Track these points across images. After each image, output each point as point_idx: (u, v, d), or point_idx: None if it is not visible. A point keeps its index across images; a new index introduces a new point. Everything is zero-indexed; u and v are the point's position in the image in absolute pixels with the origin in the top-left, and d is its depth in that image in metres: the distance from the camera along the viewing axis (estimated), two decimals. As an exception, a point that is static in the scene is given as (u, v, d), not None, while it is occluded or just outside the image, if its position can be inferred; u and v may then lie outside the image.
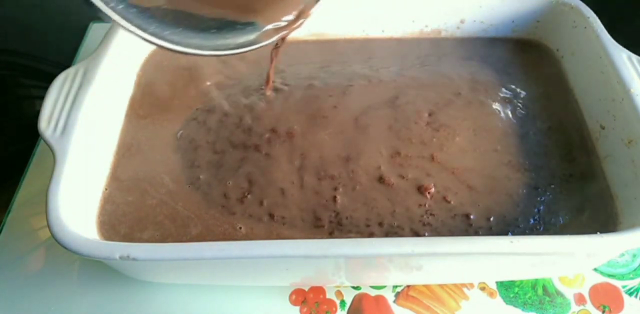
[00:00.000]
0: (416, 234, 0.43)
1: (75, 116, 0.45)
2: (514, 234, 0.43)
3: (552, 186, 0.46)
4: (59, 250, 0.37)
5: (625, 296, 0.48)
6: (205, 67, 0.58)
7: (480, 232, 0.43)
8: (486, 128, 0.50)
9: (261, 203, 0.45)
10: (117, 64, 0.52)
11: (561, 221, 0.45)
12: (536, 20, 0.58)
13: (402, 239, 0.38)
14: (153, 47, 0.59)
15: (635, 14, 0.70)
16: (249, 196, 0.46)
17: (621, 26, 0.55)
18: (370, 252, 0.37)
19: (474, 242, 0.37)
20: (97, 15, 0.34)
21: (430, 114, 0.51)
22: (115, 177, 0.48)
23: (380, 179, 0.46)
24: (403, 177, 0.46)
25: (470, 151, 0.48)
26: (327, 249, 0.37)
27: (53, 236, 0.37)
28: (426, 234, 0.43)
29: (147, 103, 0.54)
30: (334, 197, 0.45)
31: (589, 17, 0.52)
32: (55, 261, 0.50)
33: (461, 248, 0.36)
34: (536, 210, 0.45)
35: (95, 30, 0.74)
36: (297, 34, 0.59)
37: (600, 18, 0.52)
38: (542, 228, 0.44)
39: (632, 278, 0.49)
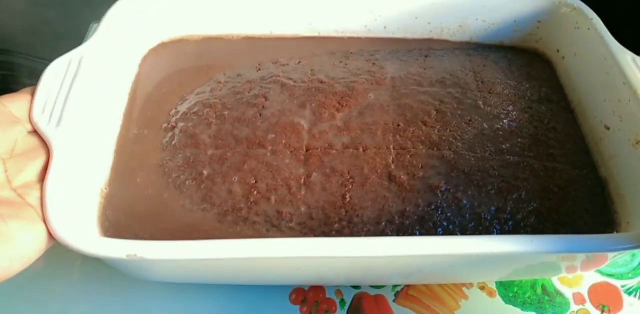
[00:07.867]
0: (428, 233, 0.43)
1: (72, 105, 0.41)
2: (524, 233, 0.43)
3: (558, 187, 0.46)
4: (59, 250, 0.35)
5: (625, 296, 0.49)
6: (208, 60, 0.56)
7: (494, 232, 0.43)
8: (493, 128, 0.49)
9: (268, 200, 0.44)
10: (117, 50, 0.49)
11: (568, 222, 0.45)
12: (537, 20, 0.58)
13: (402, 239, 0.37)
14: (155, 36, 0.57)
15: (635, 15, 0.71)
16: (255, 193, 0.44)
17: (621, 27, 0.55)
18: (374, 253, 0.36)
19: (474, 242, 0.37)
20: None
21: (438, 112, 0.50)
22: (116, 175, 0.45)
23: (391, 177, 0.45)
24: (413, 176, 0.45)
25: (480, 151, 0.48)
26: (331, 249, 0.36)
27: (55, 235, 0.35)
28: (440, 232, 0.42)
29: (147, 96, 0.52)
30: (344, 195, 0.44)
31: (592, 19, 0.53)
32: (56, 261, 0.49)
33: (461, 249, 0.36)
34: (543, 210, 0.45)
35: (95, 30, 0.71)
36: (300, 30, 0.58)
37: (600, 19, 0.53)
38: (546, 228, 0.44)
39: (631, 278, 0.50)
